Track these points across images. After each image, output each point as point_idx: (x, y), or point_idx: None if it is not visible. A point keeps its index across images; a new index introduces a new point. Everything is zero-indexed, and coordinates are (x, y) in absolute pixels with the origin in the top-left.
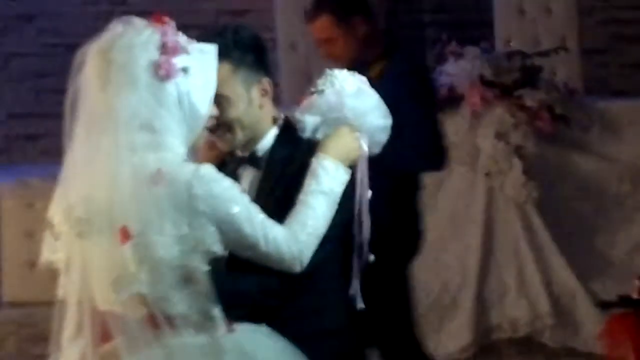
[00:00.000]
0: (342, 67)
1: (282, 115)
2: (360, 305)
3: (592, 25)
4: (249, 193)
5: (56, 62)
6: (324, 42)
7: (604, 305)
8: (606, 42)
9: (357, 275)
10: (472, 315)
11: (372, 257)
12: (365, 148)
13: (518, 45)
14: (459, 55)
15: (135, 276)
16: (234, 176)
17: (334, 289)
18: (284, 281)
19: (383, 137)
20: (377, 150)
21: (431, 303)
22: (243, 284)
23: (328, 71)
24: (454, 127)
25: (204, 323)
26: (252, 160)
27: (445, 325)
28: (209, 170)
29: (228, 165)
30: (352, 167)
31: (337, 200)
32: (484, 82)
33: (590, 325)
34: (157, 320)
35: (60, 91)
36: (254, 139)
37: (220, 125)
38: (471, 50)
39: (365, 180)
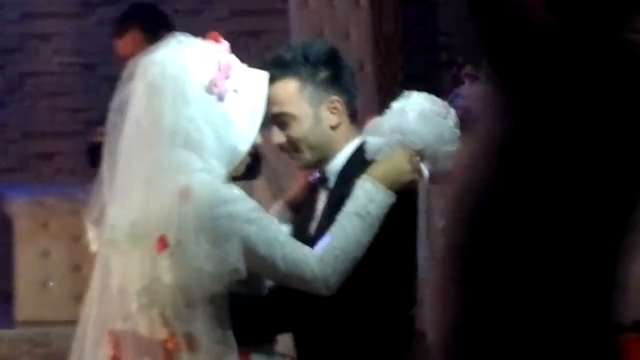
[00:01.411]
0: None
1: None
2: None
3: None
4: (322, 213)
5: (71, 81)
6: (131, 57)
7: (619, 330)
8: None
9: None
10: None
11: None
12: (426, 173)
13: None
14: (474, 78)
15: (164, 287)
16: (316, 195)
17: (390, 313)
18: (311, 305)
19: (448, 164)
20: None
21: None
22: (256, 304)
23: (405, 92)
24: (469, 149)
25: (218, 347)
26: (323, 180)
27: None
28: (230, 191)
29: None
30: (413, 192)
31: (376, 223)
32: None
33: None
34: (176, 340)
35: (75, 110)
36: (326, 159)
37: (288, 143)
38: None
39: (425, 206)
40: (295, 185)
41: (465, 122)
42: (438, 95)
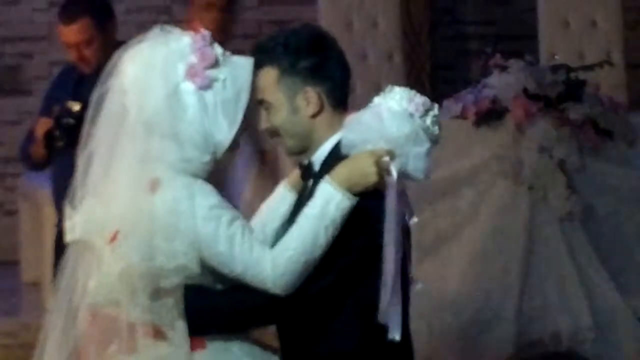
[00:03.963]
0: (92, 70)
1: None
2: (394, 336)
3: (637, 39)
4: (295, 206)
5: None
6: (80, 44)
7: None
8: None
9: (387, 303)
10: (514, 329)
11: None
12: (394, 174)
13: (562, 58)
14: (503, 68)
15: (110, 278)
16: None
17: (351, 313)
18: (267, 302)
19: (421, 164)
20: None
21: (473, 315)
22: (215, 300)
23: (388, 87)
24: (497, 140)
25: (169, 335)
26: (307, 169)
27: (486, 338)
28: (196, 186)
29: None
30: (382, 193)
31: (333, 225)
32: (528, 95)
33: (632, 340)
34: (123, 326)
35: None
36: (311, 147)
37: (271, 130)
38: (515, 63)
39: (394, 207)
40: (295, 171)
41: (492, 112)
42: (466, 85)
